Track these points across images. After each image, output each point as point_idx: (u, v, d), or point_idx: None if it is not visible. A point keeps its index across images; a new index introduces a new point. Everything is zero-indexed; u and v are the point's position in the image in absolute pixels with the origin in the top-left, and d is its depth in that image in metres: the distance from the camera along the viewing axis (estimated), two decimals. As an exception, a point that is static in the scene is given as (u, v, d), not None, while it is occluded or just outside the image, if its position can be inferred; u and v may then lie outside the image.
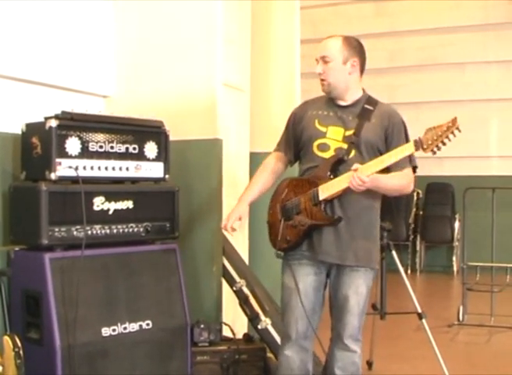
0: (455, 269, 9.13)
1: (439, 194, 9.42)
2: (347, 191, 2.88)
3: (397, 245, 6.86)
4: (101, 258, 3.22)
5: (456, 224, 9.13)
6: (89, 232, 3.17)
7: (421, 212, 9.47)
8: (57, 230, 3.07)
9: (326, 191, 2.91)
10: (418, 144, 2.76)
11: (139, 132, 3.43)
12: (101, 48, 4.11)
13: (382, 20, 9.48)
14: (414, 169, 3.02)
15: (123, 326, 3.22)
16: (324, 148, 2.99)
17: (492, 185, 6.49)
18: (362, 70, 3.07)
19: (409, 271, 8.96)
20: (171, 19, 4.02)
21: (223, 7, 4.01)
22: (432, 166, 9.26)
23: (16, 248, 3.22)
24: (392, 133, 2.99)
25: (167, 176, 3.56)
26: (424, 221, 9.37)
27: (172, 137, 3.56)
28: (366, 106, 3.02)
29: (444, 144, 2.77)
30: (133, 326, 3.25)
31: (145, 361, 3.30)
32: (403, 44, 9.41)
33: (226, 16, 4.08)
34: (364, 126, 2.96)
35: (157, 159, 3.51)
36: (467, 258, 6.31)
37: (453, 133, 2.74)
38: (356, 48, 3.02)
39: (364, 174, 2.77)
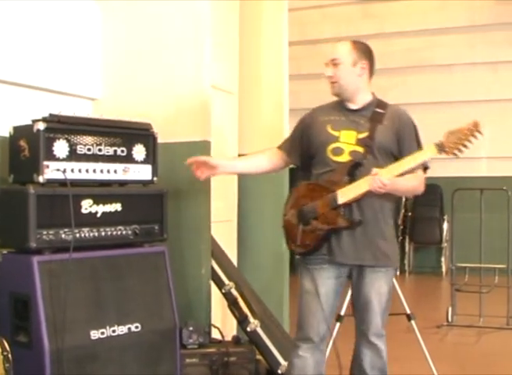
0: (444, 270, 9.15)
1: (427, 196, 9.34)
2: (366, 195, 2.93)
3: (386, 246, 6.88)
4: (90, 261, 3.20)
5: (445, 225, 9.16)
6: (77, 235, 3.15)
7: (409, 214, 9.49)
8: (45, 233, 3.05)
9: (345, 195, 2.95)
10: (441, 148, 2.87)
11: (127, 134, 3.42)
12: (89, 51, 4.09)
13: (370, 22, 9.51)
14: (425, 169, 3.12)
15: (112, 328, 3.20)
16: (338, 152, 3.03)
17: (480, 186, 6.52)
18: (371, 74, 3.12)
19: (398, 272, 8.97)
20: (158, 20, 4.01)
21: (211, 9, 4.00)
22: (420, 168, 9.29)
23: (4, 251, 3.20)
24: (404, 135, 3.05)
25: (155, 178, 3.55)
26: (413, 222, 9.40)
27: (160, 140, 3.56)
28: (377, 109, 3.08)
29: (466, 147, 2.89)
30: (121, 329, 3.24)
31: (134, 364, 3.28)
32: (391, 46, 9.43)
33: (214, 17, 4.08)
34: (378, 129, 3.01)
35: (145, 162, 3.50)
36: (456, 260, 6.33)
37: (474, 136, 2.88)
38: (365, 51, 3.09)
39: (384, 178, 2.83)
